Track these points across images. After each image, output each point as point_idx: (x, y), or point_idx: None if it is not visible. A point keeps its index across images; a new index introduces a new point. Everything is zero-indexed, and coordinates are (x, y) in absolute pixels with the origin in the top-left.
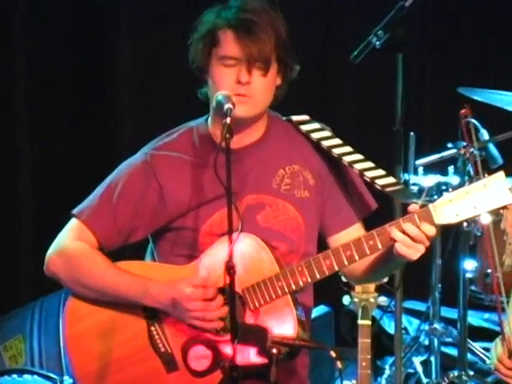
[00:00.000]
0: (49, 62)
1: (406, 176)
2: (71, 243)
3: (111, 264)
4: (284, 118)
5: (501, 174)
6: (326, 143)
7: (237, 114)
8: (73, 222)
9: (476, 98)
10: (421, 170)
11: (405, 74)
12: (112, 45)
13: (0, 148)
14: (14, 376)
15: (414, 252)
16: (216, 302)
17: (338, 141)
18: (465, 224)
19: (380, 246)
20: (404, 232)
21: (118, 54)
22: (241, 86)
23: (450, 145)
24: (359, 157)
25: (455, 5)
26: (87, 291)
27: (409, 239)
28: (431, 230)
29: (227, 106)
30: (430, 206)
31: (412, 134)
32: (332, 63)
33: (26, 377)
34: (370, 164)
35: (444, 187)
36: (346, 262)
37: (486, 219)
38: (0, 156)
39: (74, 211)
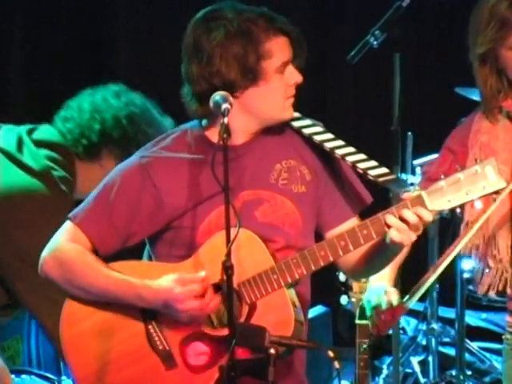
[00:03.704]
0: (48, 62)
1: (404, 176)
2: (64, 245)
3: (103, 265)
4: None
5: (492, 159)
6: (317, 138)
7: (288, 116)
8: (67, 225)
9: (473, 97)
10: (418, 170)
11: (402, 73)
12: (112, 45)
13: None
14: (12, 376)
15: (406, 238)
16: (207, 296)
17: (329, 135)
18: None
19: (374, 235)
20: (400, 218)
21: (118, 54)
22: (292, 88)
23: None
24: (351, 149)
25: (453, 4)
26: (81, 293)
27: (402, 224)
28: (427, 215)
29: (224, 106)
30: (423, 192)
31: (409, 133)
32: (330, 63)
33: (24, 377)
34: (362, 156)
35: None
36: (340, 253)
37: (479, 205)
38: None
39: (69, 215)
